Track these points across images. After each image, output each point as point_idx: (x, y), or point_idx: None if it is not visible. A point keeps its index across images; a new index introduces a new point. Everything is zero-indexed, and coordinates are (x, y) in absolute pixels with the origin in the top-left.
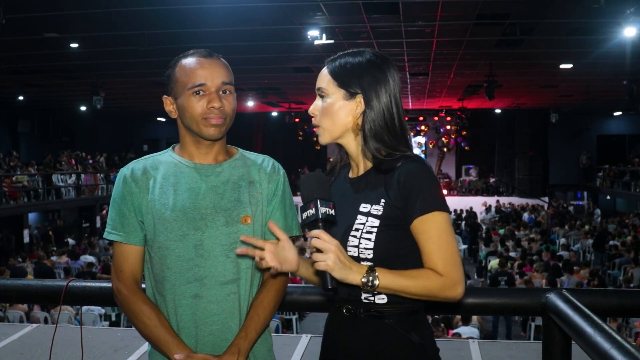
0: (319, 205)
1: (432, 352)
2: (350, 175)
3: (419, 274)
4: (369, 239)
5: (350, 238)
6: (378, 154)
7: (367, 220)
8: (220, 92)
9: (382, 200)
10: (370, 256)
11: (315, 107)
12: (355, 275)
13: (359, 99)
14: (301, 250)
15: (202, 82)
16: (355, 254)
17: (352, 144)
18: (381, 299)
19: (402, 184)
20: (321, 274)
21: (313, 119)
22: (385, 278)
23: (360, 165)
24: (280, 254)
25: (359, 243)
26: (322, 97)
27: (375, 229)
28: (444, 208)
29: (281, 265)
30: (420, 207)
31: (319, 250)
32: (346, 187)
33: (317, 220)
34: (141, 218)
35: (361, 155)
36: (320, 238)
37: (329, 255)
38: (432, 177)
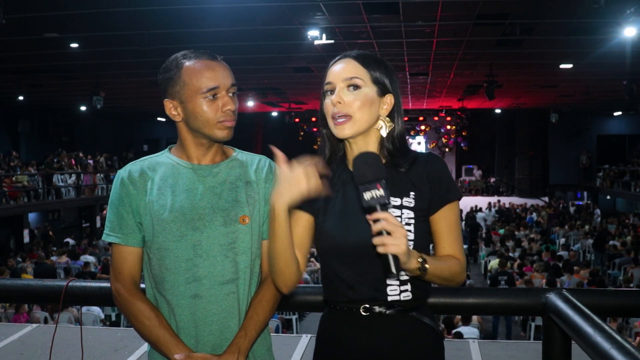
0: (384, 187)
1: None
2: None
3: (447, 259)
4: (410, 231)
5: None
6: (398, 152)
7: (402, 213)
8: (230, 94)
9: (412, 193)
10: (411, 247)
11: (343, 96)
12: (413, 260)
13: (389, 98)
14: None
15: (216, 85)
16: None
17: (371, 141)
18: (406, 296)
19: (431, 174)
20: (384, 258)
21: (340, 108)
22: (432, 263)
23: None
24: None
25: None
26: (355, 87)
27: (413, 220)
28: (460, 198)
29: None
30: (449, 195)
31: (380, 233)
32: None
33: (380, 203)
34: (139, 219)
35: (377, 152)
36: (389, 221)
37: (401, 238)
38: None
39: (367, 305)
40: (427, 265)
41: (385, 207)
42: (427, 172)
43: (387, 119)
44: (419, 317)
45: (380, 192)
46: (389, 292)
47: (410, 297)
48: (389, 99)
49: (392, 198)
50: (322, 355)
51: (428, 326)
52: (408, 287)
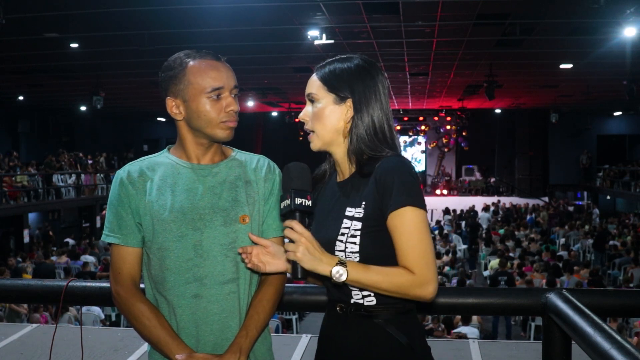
0: (294, 196)
1: (421, 352)
2: (338, 179)
3: (391, 270)
4: (354, 243)
5: (337, 243)
6: (361, 157)
7: (351, 224)
8: (232, 95)
9: (363, 203)
10: (357, 259)
11: (306, 113)
12: (324, 267)
13: (349, 103)
14: None
15: (221, 85)
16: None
17: (340, 149)
18: (370, 301)
19: (378, 181)
20: (292, 263)
21: (305, 125)
22: (355, 272)
23: (346, 170)
24: (264, 257)
25: (345, 247)
26: (312, 102)
27: (359, 232)
28: (419, 204)
29: (264, 265)
30: (394, 202)
31: (292, 241)
32: (335, 191)
33: (292, 210)
34: (139, 220)
35: (347, 160)
36: (293, 228)
37: (299, 246)
38: (409, 174)
39: (342, 305)
40: (344, 275)
41: (304, 214)
42: (375, 180)
43: (349, 124)
44: (384, 325)
45: (287, 201)
46: (352, 295)
47: (374, 303)
48: (349, 103)
49: (348, 209)
50: (317, 349)
51: (390, 336)
52: (371, 292)
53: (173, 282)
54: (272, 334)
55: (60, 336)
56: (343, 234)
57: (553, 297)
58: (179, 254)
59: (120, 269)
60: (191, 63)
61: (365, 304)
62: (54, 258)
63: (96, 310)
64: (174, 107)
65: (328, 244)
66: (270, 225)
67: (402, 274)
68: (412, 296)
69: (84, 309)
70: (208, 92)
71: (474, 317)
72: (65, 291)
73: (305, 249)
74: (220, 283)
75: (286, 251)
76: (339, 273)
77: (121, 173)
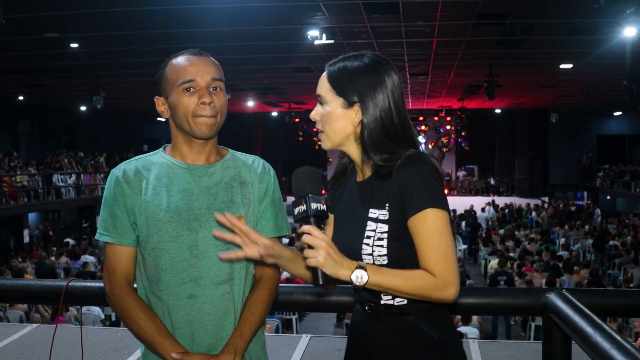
0: (310, 201)
1: (454, 347)
2: (357, 179)
3: (412, 273)
4: (382, 245)
5: (364, 246)
6: (378, 160)
7: (377, 227)
8: (210, 89)
9: (387, 205)
10: (385, 262)
11: (316, 113)
12: (345, 271)
13: (357, 107)
14: (301, 250)
15: (192, 78)
16: (370, 261)
17: (354, 151)
18: (400, 301)
19: (398, 182)
20: (313, 270)
21: (316, 124)
22: (375, 275)
23: (365, 171)
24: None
25: (373, 251)
26: (322, 103)
27: (385, 234)
28: (440, 205)
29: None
30: (415, 204)
31: (310, 246)
32: (354, 192)
33: (309, 216)
34: (134, 219)
35: (363, 162)
36: (312, 234)
37: (320, 251)
38: (430, 174)
39: (372, 304)
40: (365, 279)
41: (318, 219)
42: (397, 181)
43: (358, 128)
44: (415, 322)
45: (303, 207)
46: (382, 297)
47: (405, 302)
48: (357, 108)
49: (371, 210)
50: (347, 349)
51: (424, 333)
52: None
53: (168, 282)
54: (272, 334)
55: (60, 336)
56: (369, 237)
57: (553, 297)
58: (174, 254)
59: (115, 268)
60: (172, 61)
61: (396, 304)
62: (52, 258)
63: (96, 310)
64: (160, 105)
65: (353, 248)
66: (264, 226)
67: (423, 277)
68: (434, 299)
69: (84, 309)
70: (179, 85)
71: (474, 317)
72: (65, 291)
73: (326, 253)
74: (215, 283)
75: (305, 258)
76: (360, 277)
77: (116, 172)
